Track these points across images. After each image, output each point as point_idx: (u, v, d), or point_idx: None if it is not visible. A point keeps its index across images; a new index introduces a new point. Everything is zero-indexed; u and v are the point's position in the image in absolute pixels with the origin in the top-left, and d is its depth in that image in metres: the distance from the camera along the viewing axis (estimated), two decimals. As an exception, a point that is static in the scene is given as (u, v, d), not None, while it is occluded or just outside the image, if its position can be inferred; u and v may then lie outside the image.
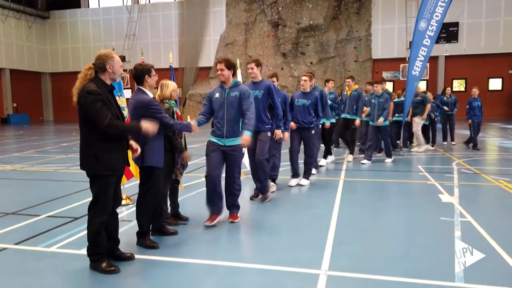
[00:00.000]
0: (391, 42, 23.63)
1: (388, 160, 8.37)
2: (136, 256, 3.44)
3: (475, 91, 10.21)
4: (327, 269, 3.12)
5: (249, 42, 24.72)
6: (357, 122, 8.44)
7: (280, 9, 23.75)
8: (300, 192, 5.93)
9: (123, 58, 25.16)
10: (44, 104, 30.57)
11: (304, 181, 6.28)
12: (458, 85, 23.95)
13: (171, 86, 4.13)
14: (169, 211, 4.43)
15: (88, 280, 3.05)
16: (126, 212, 4.84)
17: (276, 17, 23.77)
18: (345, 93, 8.87)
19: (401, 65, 22.56)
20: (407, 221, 4.42)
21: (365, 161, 8.25)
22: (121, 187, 3.78)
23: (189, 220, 4.43)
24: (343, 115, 8.77)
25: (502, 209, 4.85)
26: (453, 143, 10.91)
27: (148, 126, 3.17)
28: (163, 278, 3.03)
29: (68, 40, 28.75)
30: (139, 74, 3.62)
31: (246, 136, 4.12)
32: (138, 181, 4.13)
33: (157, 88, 4.10)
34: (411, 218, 4.50)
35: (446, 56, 23.59)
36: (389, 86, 24.25)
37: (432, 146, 10.46)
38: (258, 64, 5.05)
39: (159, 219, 3.97)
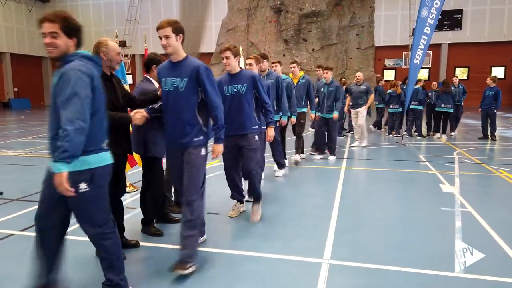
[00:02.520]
0: (394, 29, 23.42)
1: (331, 158, 7.46)
2: (141, 243, 3.50)
3: (489, 81, 10.15)
4: (329, 258, 3.18)
5: (250, 28, 24.48)
6: (312, 115, 7.54)
7: (282, -6, 23.46)
8: (301, 181, 5.98)
9: (123, 43, 24.99)
10: (46, 89, 30.47)
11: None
12: (461, 73, 23.79)
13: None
14: (172, 198, 4.49)
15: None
16: (130, 199, 4.89)
17: (279, 2, 23.49)
18: (289, 81, 6.50)
19: (404, 53, 22.39)
20: (407, 210, 4.46)
21: (331, 157, 7.50)
22: (125, 175, 3.81)
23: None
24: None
25: (502, 200, 4.90)
26: (453, 133, 10.86)
27: (137, 117, 3.09)
28: (167, 265, 3.08)
29: (68, 24, 28.49)
30: (148, 62, 3.66)
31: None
32: (141, 169, 4.18)
33: None
34: (412, 208, 4.54)
35: (449, 44, 23.40)
36: (391, 73, 24.17)
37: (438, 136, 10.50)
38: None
39: (163, 207, 4.02)
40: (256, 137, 4.00)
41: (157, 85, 3.74)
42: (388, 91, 10.79)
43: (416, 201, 4.80)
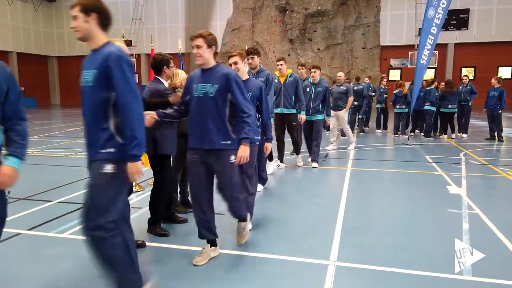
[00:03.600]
0: (400, 28, 23.30)
1: (315, 165, 6.79)
2: (147, 243, 3.50)
3: (493, 81, 10.11)
4: (336, 260, 3.16)
5: (256, 27, 24.45)
6: (303, 117, 6.47)
7: (287, -7, 23.40)
8: (308, 182, 5.96)
9: (129, 43, 25.06)
10: (51, 88, 30.64)
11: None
12: (467, 73, 23.64)
13: (181, 75, 4.15)
14: (178, 199, 4.49)
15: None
16: (136, 199, 4.90)
17: (284, 2, 23.42)
18: (275, 79, 5.97)
19: (410, 53, 22.28)
20: (414, 212, 4.43)
21: (314, 164, 6.84)
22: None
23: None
24: (277, 110, 6.37)
25: (510, 202, 4.85)
26: (462, 135, 10.73)
27: (146, 118, 3.00)
28: (173, 266, 3.09)
29: (74, 24, 28.60)
30: (158, 65, 3.67)
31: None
32: (147, 168, 4.19)
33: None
34: (419, 209, 4.52)
35: (455, 44, 23.24)
36: (396, 73, 24.06)
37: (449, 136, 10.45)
38: (210, 42, 3.02)
39: (170, 207, 4.03)
40: (232, 157, 3.06)
41: (167, 85, 3.76)
42: (394, 91, 10.75)
43: (423, 203, 4.77)
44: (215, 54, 3.08)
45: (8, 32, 26.08)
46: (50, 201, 4.77)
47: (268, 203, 4.79)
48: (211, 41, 3.00)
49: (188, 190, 3.89)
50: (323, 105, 6.86)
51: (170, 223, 4.01)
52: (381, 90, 11.74)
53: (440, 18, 8.65)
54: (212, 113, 2.98)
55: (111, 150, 2.27)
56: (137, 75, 24.56)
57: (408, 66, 22.61)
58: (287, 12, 23.58)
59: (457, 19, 22.62)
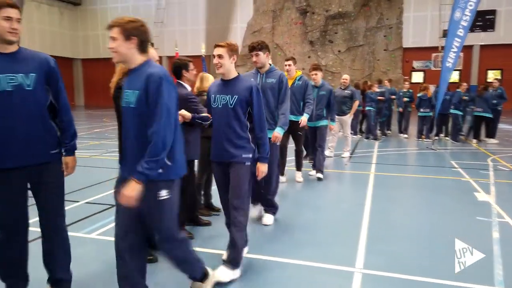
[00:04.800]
0: (423, 30, 22.85)
1: (319, 176, 6.11)
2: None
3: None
4: (362, 267, 3.12)
5: (276, 29, 24.44)
6: (303, 119, 5.52)
7: (308, -5, 23.31)
8: (330, 186, 5.91)
9: (151, 46, 25.45)
10: (76, 89, 31.41)
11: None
12: (493, 76, 22.98)
13: (210, 79, 4.18)
14: (202, 202, 4.52)
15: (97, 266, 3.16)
16: (160, 201, 4.95)
17: (305, 4, 23.34)
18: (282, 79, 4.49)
19: (433, 55, 21.81)
20: (441, 219, 4.33)
21: (315, 173, 6.24)
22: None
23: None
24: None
25: (542, 210, 4.69)
26: (490, 140, 10.39)
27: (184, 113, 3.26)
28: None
29: (98, 27, 29.24)
30: (177, 69, 3.69)
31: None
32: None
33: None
34: (446, 217, 4.41)
35: (481, 46, 22.63)
36: (419, 76, 23.61)
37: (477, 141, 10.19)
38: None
39: (194, 210, 4.06)
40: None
41: (189, 89, 3.79)
42: (419, 95, 10.54)
43: (450, 210, 4.66)
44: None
45: (35, 35, 26.88)
46: (78, 201, 4.87)
47: (290, 206, 4.77)
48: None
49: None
50: (327, 110, 6.27)
51: (194, 225, 4.05)
52: (400, 93, 11.47)
53: (468, 20, 8.44)
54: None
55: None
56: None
57: (432, 68, 22.15)
58: (307, 14, 23.48)
59: (483, 20, 22.02)
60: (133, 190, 2.10)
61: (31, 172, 2.43)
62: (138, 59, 2.26)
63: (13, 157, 2.35)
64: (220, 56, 2.94)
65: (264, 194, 4.11)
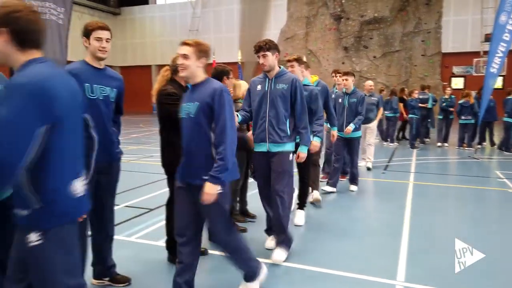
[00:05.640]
0: (463, 34, 22.03)
1: (353, 188, 5.85)
2: (209, 251, 3.56)
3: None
4: (403, 280, 3.01)
5: (309, 36, 24.36)
6: (334, 133, 5.21)
7: (343, 1, 23.08)
8: (367, 196, 5.78)
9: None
10: (116, 96, 32.54)
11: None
12: (540, 81, 21.75)
13: (243, 86, 4.20)
14: (237, 207, 4.54)
15: (166, 272, 3.20)
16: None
17: (339, 10, 23.14)
18: (313, 88, 4.34)
19: (474, 60, 20.96)
20: (487, 232, 4.12)
21: (327, 187, 5.72)
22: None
23: (257, 217, 4.49)
24: None
25: None
26: None
27: None
28: (232, 275, 3.08)
29: (136, 35, 30.28)
30: (219, 75, 3.73)
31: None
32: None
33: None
34: (492, 230, 4.19)
35: (527, 50, 21.54)
36: (459, 81, 22.75)
37: None
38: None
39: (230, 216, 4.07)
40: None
41: None
42: (460, 101, 10.13)
43: (496, 223, 4.42)
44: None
45: (78, 44, 27.93)
46: (117, 205, 5.00)
47: (327, 215, 4.69)
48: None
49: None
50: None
51: (230, 232, 4.05)
52: (442, 100, 10.88)
53: (514, 24, 8.07)
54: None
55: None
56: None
57: (473, 74, 21.28)
58: (342, 20, 23.25)
59: (529, 23, 20.98)
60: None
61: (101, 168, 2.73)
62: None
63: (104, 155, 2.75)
64: (185, 56, 2.46)
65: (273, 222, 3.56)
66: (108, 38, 2.81)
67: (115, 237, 3.84)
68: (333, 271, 3.18)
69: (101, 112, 2.70)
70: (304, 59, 4.80)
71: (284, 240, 3.47)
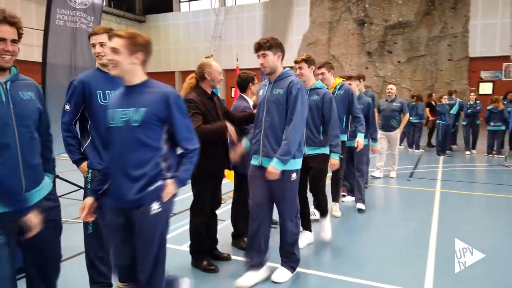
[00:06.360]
0: (492, 38, 21.42)
1: (360, 206, 5.08)
2: (232, 256, 3.57)
3: None
4: (431, 291, 2.93)
5: (332, 41, 24.23)
6: (360, 140, 4.53)
7: (367, 6, 22.88)
8: (393, 204, 5.66)
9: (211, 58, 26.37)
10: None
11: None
12: None
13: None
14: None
15: (190, 277, 3.22)
16: (218, 212, 5.03)
17: (362, 14, 22.94)
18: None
19: (504, 64, 20.30)
20: (520, 243, 3.96)
21: (359, 205, 5.12)
22: (221, 188, 3.93)
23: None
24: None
25: None
26: None
27: (232, 128, 3.19)
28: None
29: (160, 42, 30.86)
30: (244, 82, 3.77)
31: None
32: (228, 181, 4.30)
33: None
34: (525, 241, 4.03)
35: (560, 54, 20.73)
36: (488, 87, 22.09)
37: None
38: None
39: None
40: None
41: (251, 103, 3.84)
42: (489, 107, 9.82)
43: (530, 233, 4.25)
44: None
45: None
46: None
47: (351, 222, 4.62)
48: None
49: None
50: (366, 126, 5.06)
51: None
52: (468, 106, 10.49)
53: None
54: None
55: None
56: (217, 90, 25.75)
57: (502, 79, 20.63)
58: (365, 24, 23.04)
59: (562, 26, 20.21)
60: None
61: None
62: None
63: None
64: (115, 51, 2.00)
65: (281, 244, 3.18)
66: (102, 42, 2.62)
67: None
68: (357, 280, 3.13)
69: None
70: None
71: (290, 259, 3.12)
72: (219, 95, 4.03)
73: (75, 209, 2.59)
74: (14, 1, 21.19)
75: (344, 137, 4.68)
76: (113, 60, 2.03)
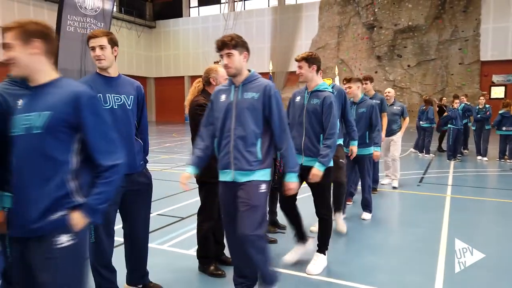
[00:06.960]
0: (503, 42, 21.16)
1: (366, 217, 4.88)
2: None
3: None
4: (441, 299, 2.88)
5: (341, 45, 24.19)
6: (354, 149, 4.28)
7: (376, 10, 22.81)
8: (403, 209, 5.60)
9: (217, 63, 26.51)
10: (148, 106, 33.52)
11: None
12: None
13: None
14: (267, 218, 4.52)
15: (196, 281, 3.23)
16: (227, 216, 5.04)
17: (372, 19, 22.88)
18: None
19: (516, 68, 20.07)
20: (533, 251, 3.88)
21: (365, 215, 4.92)
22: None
23: (287, 229, 4.44)
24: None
25: None
26: None
27: None
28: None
29: (170, 47, 31.15)
30: None
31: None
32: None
33: None
34: (539, 248, 3.94)
35: None
36: (500, 91, 21.81)
37: None
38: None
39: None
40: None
41: None
42: (500, 111, 9.69)
43: (543, 240, 4.16)
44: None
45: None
46: (151, 213, 5.11)
47: (359, 228, 4.58)
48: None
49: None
50: (369, 132, 4.85)
51: (261, 242, 4.03)
52: (476, 110, 10.29)
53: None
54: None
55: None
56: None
57: (514, 83, 20.36)
58: (375, 29, 22.97)
59: None
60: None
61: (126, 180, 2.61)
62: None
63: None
64: (7, 46, 1.66)
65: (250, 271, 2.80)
66: (101, 45, 2.67)
67: (148, 245, 3.92)
68: (365, 286, 3.09)
69: (117, 121, 2.60)
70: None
71: (266, 279, 2.66)
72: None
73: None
74: (28, 8, 21.61)
75: (341, 141, 4.30)
76: (9, 58, 1.66)
